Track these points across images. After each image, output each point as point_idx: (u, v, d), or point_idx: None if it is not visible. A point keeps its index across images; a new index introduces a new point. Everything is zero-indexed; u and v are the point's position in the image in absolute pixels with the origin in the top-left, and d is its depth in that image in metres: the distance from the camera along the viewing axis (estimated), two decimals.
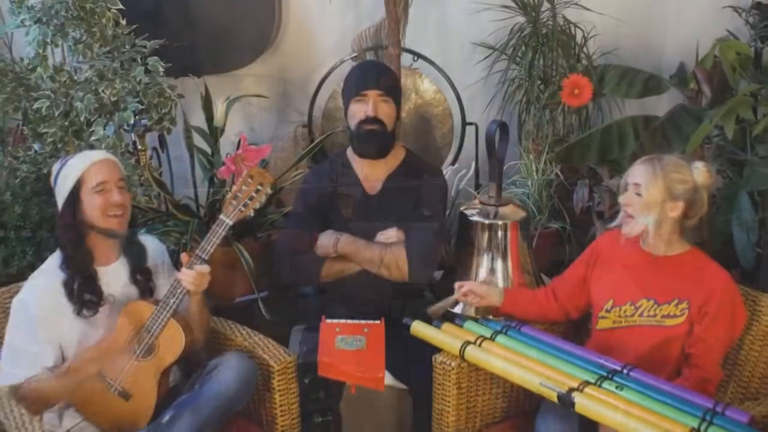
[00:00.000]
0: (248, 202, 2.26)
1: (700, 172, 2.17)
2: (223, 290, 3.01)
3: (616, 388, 2.01)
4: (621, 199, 2.23)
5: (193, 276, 2.22)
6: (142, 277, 2.34)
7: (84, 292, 2.22)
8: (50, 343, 2.19)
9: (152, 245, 2.43)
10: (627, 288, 2.27)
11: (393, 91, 2.60)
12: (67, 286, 2.21)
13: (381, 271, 2.51)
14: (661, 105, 3.42)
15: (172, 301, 2.22)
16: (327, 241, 2.55)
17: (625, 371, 2.09)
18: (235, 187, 2.27)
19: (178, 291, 2.23)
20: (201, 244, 2.25)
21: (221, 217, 2.26)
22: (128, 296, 2.31)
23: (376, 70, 2.65)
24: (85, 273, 2.23)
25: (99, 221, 2.22)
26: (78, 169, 2.22)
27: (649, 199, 2.16)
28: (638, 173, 2.20)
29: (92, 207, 2.21)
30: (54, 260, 2.27)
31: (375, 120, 2.54)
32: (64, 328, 2.21)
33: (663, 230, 2.20)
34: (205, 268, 2.24)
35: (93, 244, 2.26)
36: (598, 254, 2.39)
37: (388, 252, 2.50)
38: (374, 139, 2.56)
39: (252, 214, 2.28)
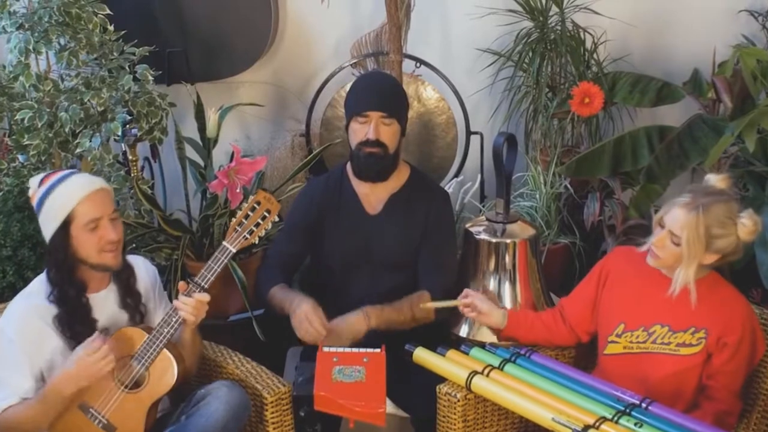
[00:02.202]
0: (254, 229, 2.14)
1: (747, 230, 2.00)
2: (217, 307, 2.88)
3: (635, 425, 1.89)
4: (654, 239, 2.08)
5: (192, 305, 2.09)
6: (132, 301, 2.20)
7: (76, 323, 2.08)
8: (31, 372, 2.05)
9: (142, 266, 2.29)
10: (640, 311, 2.13)
11: (397, 112, 2.45)
12: (60, 321, 2.07)
13: (411, 324, 2.41)
14: (673, 114, 3.29)
15: (166, 330, 2.09)
16: (358, 322, 2.34)
17: (643, 405, 1.96)
18: (240, 213, 2.15)
19: (174, 320, 2.09)
20: (201, 272, 2.12)
21: (224, 243, 2.13)
22: (118, 322, 2.17)
23: (380, 89, 2.48)
24: (77, 306, 2.10)
25: (92, 258, 2.08)
26: (67, 205, 2.04)
27: (689, 254, 2.01)
28: (678, 222, 2.01)
29: (85, 245, 2.06)
30: (37, 284, 2.13)
31: (376, 143, 2.40)
32: (46, 357, 2.07)
33: (692, 272, 2.05)
34: (205, 297, 2.11)
35: (84, 275, 2.12)
36: (608, 272, 2.24)
37: (418, 309, 2.39)
38: (374, 163, 2.43)
39: (256, 242, 2.16)
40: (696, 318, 2.07)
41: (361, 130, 2.42)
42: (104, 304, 2.16)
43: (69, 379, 2.01)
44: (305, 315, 2.27)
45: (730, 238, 2.00)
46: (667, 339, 2.09)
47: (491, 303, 2.35)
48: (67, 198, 2.05)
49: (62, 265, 2.08)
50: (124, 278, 2.21)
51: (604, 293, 2.24)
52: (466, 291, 2.36)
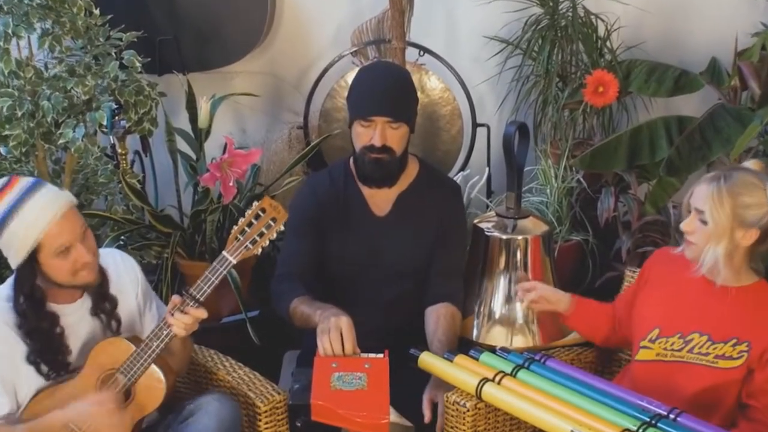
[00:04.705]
0: (257, 239, 1.96)
1: None
2: (209, 308, 2.75)
3: None
4: (683, 225, 1.93)
5: (188, 323, 1.93)
6: (107, 307, 2.03)
7: (50, 356, 1.93)
8: (3, 387, 1.90)
9: (120, 262, 2.10)
10: (677, 317, 1.98)
11: (405, 115, 2.28)
12: (29, 357, 1.91)
13: None
14: (688, 104, 3.18)
15: (155, 344, 1.94)
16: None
17: (671, 416, 1.81)
18: (242, 221, 1.97)
19: (164, 333, 1.94)
20: (197, 283, 1.96)
21: (224, 254, 1.96)
22: (95, 332, 2.02)
23: (385, 90, 2.27)
24: (50, 338, 1.94)
25: (67, 280, 1.92)
26: (32, 235, 1.83)
27: (716, 229, 1.85)
28: (701, 196, 1.87)
29: (57, 270, 1.89)
30: (5, 289, 1.95)
31: (382, 149, 2.25)
32: (18, 368, 1.92)
33: (735, 260, 1.89)
34: (202, 314, 1.94)
35: (56, 294, 1.96)
36: (648, 274, 2.10)
37: (458, 328, 2.33)
38: (379, 169, 2.28)
39: (259, 253, 1.98)
40: (739, 329, 1.91)
41: (365, 134, 2.26)
42: (80, 314, 2.00)
43: (67, 420, 1.88)
44: (341, 326, 2.03)
45: (762, 208, 1.83)
46: (705, 349, 1.94)
47: (556, 290, 2.22)
48: (31, 228, 1.84)
49: (31, 295, 1.91)
50: (96, 284, 2.02)
51: (641, 295, 2.10)
52: (530, 284, 2.21)
